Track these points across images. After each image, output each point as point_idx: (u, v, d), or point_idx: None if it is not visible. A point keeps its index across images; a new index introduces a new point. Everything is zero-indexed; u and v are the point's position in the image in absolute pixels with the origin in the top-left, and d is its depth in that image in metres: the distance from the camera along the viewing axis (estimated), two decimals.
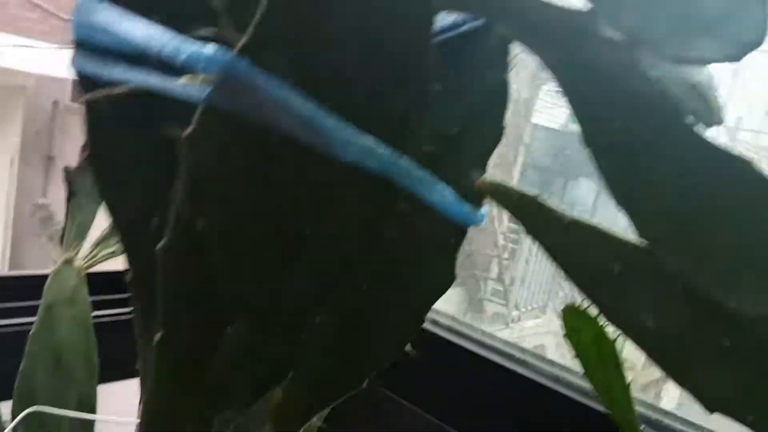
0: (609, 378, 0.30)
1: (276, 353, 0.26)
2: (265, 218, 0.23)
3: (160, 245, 0.21)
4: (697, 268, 0.26)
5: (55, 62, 3.85)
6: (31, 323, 0.65)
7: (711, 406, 0.26)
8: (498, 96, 0.31)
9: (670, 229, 0.27)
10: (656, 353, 0.28)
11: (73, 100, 4.73)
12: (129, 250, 0.25)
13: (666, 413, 0.58)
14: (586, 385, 0.61)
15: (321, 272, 0.26)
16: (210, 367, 0.23)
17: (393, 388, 0.71)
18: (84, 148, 0.51)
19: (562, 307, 0.32)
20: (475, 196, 0.31)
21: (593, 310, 0.32)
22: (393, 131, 0.26)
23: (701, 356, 0.27)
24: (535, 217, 0.30)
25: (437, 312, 0.70)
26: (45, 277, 0.68)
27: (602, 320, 0.31)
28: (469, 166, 0.31)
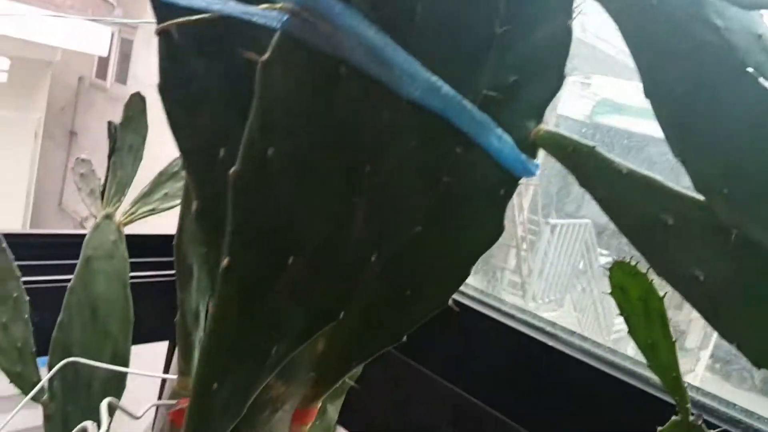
0: (655, 335, 0.30)
1: (331, 290, 0.26)
2: (330, 151, 0.24)
3: (232, 171, 0.21)
4: (753, 218, 0.26)
5: (82, 37, 3.87)
6: (54, 281, 0.66)
7: (757, 362, 0.26)
8: (560, 43, 0.31)
9: (727, 179, 0.27)
10: (705, 307, 0.27)
11: (99, 76, 4.76)
12: (196, 180, 0.25)
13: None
14: (605, 354, 0.61)
15: (379, 211, 0.26)
16: (269, 298, 0.24)
17: (415, 357, 0.71)
18: (129, 106, 0.52)
19: (612, 264, 0.32)
20: (528, 147, 0.31)
21: (641, 267, 0.32)
22: (457, 72, 0.26)
23: (750, 311, 0.27)
24: (590, 167, 0.30)
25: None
26: (70, 236, 0.69)
27: (650, 277, 0.30)
28: (525, 115, 0.31)
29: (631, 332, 0.31)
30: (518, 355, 0.66)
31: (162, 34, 0.25)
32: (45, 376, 0.49)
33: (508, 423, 0.63)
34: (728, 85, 0.27)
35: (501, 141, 0.29)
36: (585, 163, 0.30)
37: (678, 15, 0.27)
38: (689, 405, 0.30)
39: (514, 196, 0.33)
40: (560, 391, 0.62)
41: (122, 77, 4.77)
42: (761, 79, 0.27)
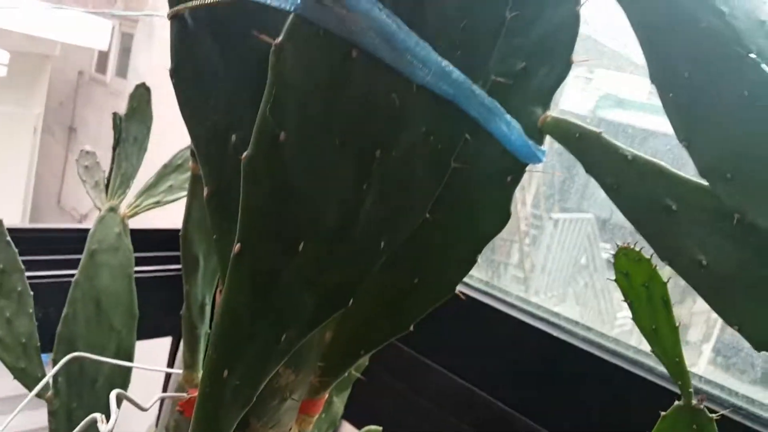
0: (658, 319, 0.30)
1: (341, 276, 0.26)
2: (342, 136, 0.24)
3: (244, 155, 0.21)
4: (754, 201, 0.26)
5: (82, 31, 3.86)
6: (58, 275, 0.66)
7: (759, 345, 0.27)
8: (567, 30, 0.31)
9: (730, 162, 0.27)
10: (708, 291, 0.28)
11: (99, 70, 4.75)
12: (206, 166, 0.25)
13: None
14: (613, 346, 0.61)
15: (388, 197, 0.26)
16: (280, 284, 0.24)
17: (422, 352, 0.71)
18: (133, 102, 0.52)
19: (617, 248, 0.32)
20: (535, 133, 0.31)
21: (645, 254, 0.32)
22: (467, 57, 0.26)
23: (752, 295, 0.27)
24: (596, 153, 0.30)
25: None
26: (72, 230, 0.69)
27: (654, 263, 0.31)
28: (532, 101, 0.31)
29: (635, 318, 0.32)
30: (524, 346, 0.66)
31: (175, 18, 0.25)
32: (49, 372, 0.49)
33: (514, 415, 0.63)
34: (732, 70, 0.27)
35: (509, 127, 0.29)
36: (591, 150, 0.30)
37: (684, 0, 0.27)
38: (692, 389, 0.30)
39: (517, 190, 0.33)
40: (566, 382, 0.63)
41: (122, 71, 4.76)
42: (764, 65, 0.27)
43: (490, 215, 0.32)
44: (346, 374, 0.44)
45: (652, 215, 0.29)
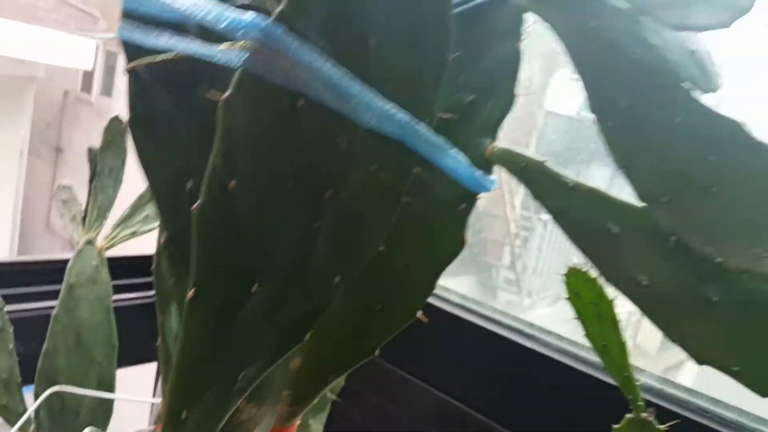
0: (607, 336, 0.31)
1: (297, 312, 0.27)
2: (291, 180, 0.25)
3: (195, 205, 0.23)
4: (689, 224, 0.28)
5: (66, 51, 3.87)
6: (43, 308, 0.67)
7: (700, 359, 0.28)
8: (510, 65, 0.32)
9: (666, 187, 0.28)
10: (650, 309, 0.29)
11: (84, 90, 4.75)
12: (163, 213, 0.26)
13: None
14: (593, 357, 0.62)
15: (342, 233, 0.27)
16: (237, 324, 0.25)
17: (402, 366, 0.72)
18: (108, 131, 0.53)
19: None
20: (485, 162, 0.33)
21: (594, 273, 0.33)
22: (412, 98, 0.27)
23: (691, 311, 0.28)
24: (541, 181, 0.32)
25: (447, 290, 0.72)
26: (58, 261, 0.70)
27: (602, 282, 0.32)
28: (480, 133, 0.33)
29: (587, 335, 0.33)
30: (503, 359, 0.67)
31: (131, 72, 0.27)
32: (31, 405, 0.50)
33: (496, 427, 0.64)
34: (665, 99, 0.29)
35: (455, 161, 0.30)
36: (536, 178, 0.32)
37: (617, 36, 0.29)
38: (641, 402, 0.31)
39: (506, 193, 0.34)
40: (545, 394, 0.64)
41: (108, 90, 4.76)
42: (697, 92, 0.29)
43: (446, 242, 0.34)
44: (320, 397, 0.45)
45: (596, 239, 0.31)
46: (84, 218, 0.55)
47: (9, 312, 0.51)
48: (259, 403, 0.30)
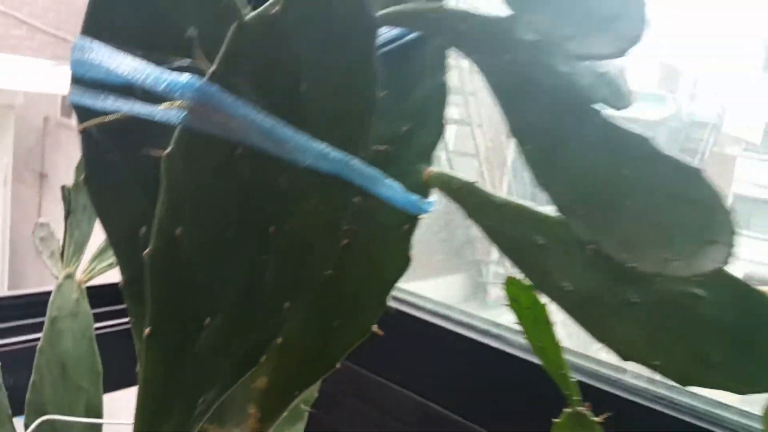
0: (543, 338, 0.34)
1: (250, 340, 0.30)
2: (234, 222, 0.28)
3: (146, 252, 0.25)
4: (605, 234, 0.31)
5: (44, 78, 3.87)
6: (34, 340, 0.69)
7: (624, 356, 0.31)
8: (438, 96, 0.35)
9: (582, 201, 0.31)
10: (575, 313, 0.32)
11: (65, 114, 4.75)
12: (121, 259, 0.29)
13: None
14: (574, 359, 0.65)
15: (288, 264, 0.30)
16: (193, 355, 0.28)
17: (378, 372, 0.75)
18: (78, 169, 0.55)
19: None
20: (422, 187, 0.35)
21: (528, 281, 0.36)
22: (345, 137, 0.30)
23: (613, 313, 0.31)
24: (473, 201, 0.34)
25: (420, 297, 0.75)
26: (46, 294, 0.73)
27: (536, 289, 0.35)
28: (417, 160, 0.36)
29: (527, 337, 0.36)
30: (478, 362, 0.70)
31: (83, 132, 0.29)
32: None
33: (475, 428, 0.67)
34: (578, 120, 0.32)
35: (391, 189, 0.33)
36: (469, 198, 0.34)
37: (530, 66, 0.32)
38: (578, 397, 0.34)
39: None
40: (520, 394, 0.66)
41: None
42: (609, 110, 0.32)
43: (393, 262, 0.36)
44: (296, 408, 0.48)
45: (525, 251, 0.33)
46: (62, 254, 0.57)
47: None
48: (221, 422, 0.33)
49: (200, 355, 0.27)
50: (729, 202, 0.29)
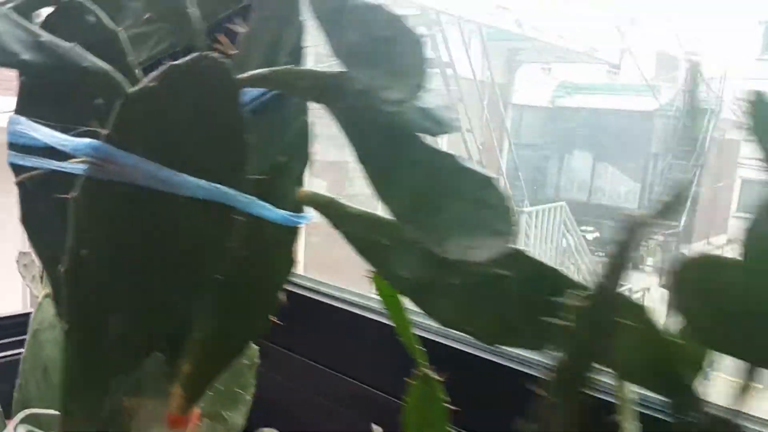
0: (398, 317, 0.43)
1: (146, 333, 0.39)
2: (129, 245, 0.37)
3: (60, 268, 0.35)
4: (427, 234, 0.40)
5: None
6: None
7: (445, 324, 0.40)
8: (304, 134, 0.44)
9: (410, 209, 0.40)
10: (412, 295, 0.41)
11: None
12: (50, 278, 0.38)
13: None
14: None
15: (177, 274, 0.40)
16: (102, 346, 0.37)
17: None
18: None
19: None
20: (297, 204, 0.45)
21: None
22: (223, 172, 0.39)
23: (438, 293, 0.40)
24: (335, 212, 0.44)
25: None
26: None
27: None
28: (295, 182, 0.45)
29: (390, 316, 0.45)
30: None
31: (19, 184, 0.39)
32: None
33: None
34: (404, 147, 0.41)
35: (265, 209, 0.42)
36: (334, 211, 0.44)
37: (365, 110, 0.41)
38: (423, 362, 0.43)
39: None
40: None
41: None
42: (426, 140, 0.41)
43: (281, 264, 0.46)
44: (232, 394, 0.57)
45: (374, 250, 0.43)
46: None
47: None
48: (138, 395, 0.42)
49: (107, 345, 0.37)
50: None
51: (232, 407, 0.57)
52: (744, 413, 0.31)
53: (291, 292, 0.74)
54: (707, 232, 6.03)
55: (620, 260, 0.31)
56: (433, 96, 0.43)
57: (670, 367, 0.31)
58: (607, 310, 0.31)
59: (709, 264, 0.30)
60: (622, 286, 0.32)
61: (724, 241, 6.11)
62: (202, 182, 0.39)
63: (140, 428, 0.43)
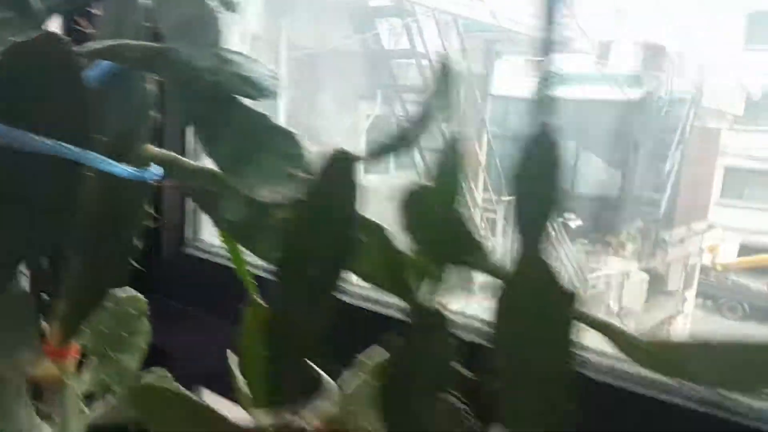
0: (235, 256, 0.51)
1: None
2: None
3: None
4: (243, 181, 0.47)
5: None
6: None
7: (265, 259, 0.47)
8: (147, 100, 0.52)
9: (231, 162, 0.48)
10: (237, 236, 0.48)
11: None
12: None
13: None
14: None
15: (34, 222, 0.47)
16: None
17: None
18: None
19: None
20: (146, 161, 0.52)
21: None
22: (69, 134, 0.46)
23: (259, 232, 0.48)
24: (174, 167, 0.51)
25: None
26: None
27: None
28: (142, 143, 0.52)
29: (233, 261, 0.52)
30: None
31: None
32: None
33: None
34: (225, 108, 0.48)
35: (113, 166, 0.50)
36: (172, 166, 0.51)
37: (191, 77, 0.48)
38: (255, 294, 0.51)
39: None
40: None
41: None
42: (247, 100, 0.48)
43: (137, 216, 0.53)
44: (127, 341, 0.65)
45: (205, 198, 0.50)
46: None
47: None
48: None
49: None
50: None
51: (121, 350, 0.65)
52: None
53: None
54: (688, 218, 6.11)
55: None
56: (260, 66, 0.50)
57: (400, 274, 0.39)
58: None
59: (421, 192, 0.37)
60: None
61: (705, 227, 6.21)
62: (48, 141, 0.46)
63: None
